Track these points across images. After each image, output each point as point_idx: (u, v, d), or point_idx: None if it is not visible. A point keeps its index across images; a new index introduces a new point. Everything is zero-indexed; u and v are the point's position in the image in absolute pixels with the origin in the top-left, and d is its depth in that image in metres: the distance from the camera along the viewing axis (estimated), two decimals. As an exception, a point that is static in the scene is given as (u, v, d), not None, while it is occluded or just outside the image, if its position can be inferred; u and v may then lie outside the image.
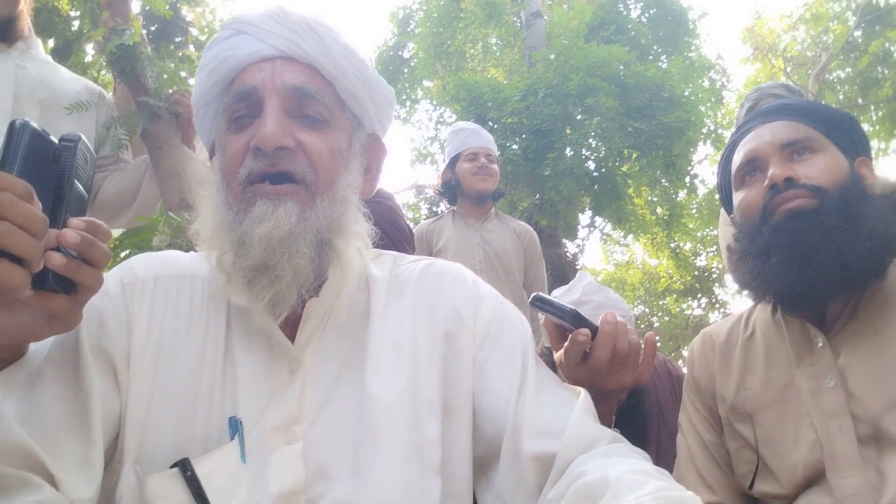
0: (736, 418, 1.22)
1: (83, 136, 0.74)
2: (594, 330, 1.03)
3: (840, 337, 1.13)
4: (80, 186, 0.74)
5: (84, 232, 0.70)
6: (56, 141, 0.72)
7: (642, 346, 1.06)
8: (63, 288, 0.71)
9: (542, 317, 1.54)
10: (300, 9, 0.96)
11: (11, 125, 0.69)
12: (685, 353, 1.51)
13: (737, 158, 1.24)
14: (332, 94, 0.96)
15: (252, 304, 0.88)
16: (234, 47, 0.94)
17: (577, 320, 1.03)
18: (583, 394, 0.95)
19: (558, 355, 1.09)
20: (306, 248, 0.87)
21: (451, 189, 3.16)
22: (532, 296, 1.09)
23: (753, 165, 1.19)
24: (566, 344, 1.05)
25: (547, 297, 1.07)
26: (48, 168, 0.71)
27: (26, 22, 2.01)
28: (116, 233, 2.42)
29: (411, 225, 2.24)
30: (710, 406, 1.29)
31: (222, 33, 0.97)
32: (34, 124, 0.70)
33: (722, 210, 2.60)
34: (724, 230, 2.46)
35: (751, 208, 1.18)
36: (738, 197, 1.23)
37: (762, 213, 1.14)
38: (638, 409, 1.98)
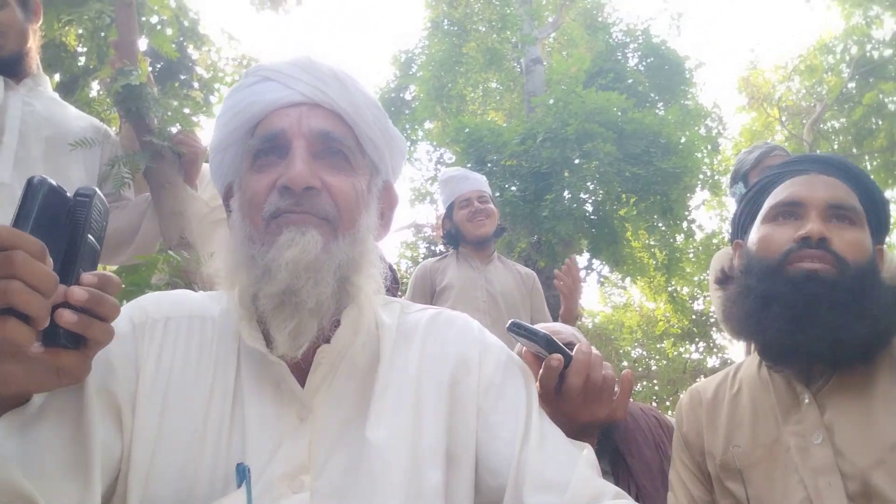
0: (726, 475, 1.21)
1: (98, 191, 0.75)
2: (568, 358, 1.03)
3: (825, 393, 1.13)
4: (92, 240, 0.75)
5: (94, 287, 0.70)
6: (71, 196, 0.73)
7: (618, 381, 1.05)
8: (73, 343, 0.70)
9: (521, 348, 1.52)
10: (325, 59, 0.99)
11: (29, 182, 0.70)
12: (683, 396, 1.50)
13: (779, 193, 1.21)
14: (354, 140, 0.98)
15: (276, 333, 0.87)
16: (260, 93, 0.96)
17: (551, 346, 1.03)
18: (587, 448, 0.94)
19: (535, 386, 1.09)
20: (330, 279, 0.88)
21: (453, 238, 3.24)
22: (509, 322, 1.08)
23: (793, 209, 1.18)
24: (541, 371, 1.04)
25: (522, 322, 1.07)
26: (62, 224, 0.72)
27: (35, 59, 2.04)
28: (113, 269, 2.43)
29: (409, 263, 2.26)
30: (699, 463, 1.28)
31: (246, 80, 0.99)
32: (51, 181, 0.71)
33: (712, 262, 2.60)
34: (715, 294, 2.45)
35: (773, 246, 1.16)
36: (762, 229, 1.21)
37: (783, 258, 1.13)
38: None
